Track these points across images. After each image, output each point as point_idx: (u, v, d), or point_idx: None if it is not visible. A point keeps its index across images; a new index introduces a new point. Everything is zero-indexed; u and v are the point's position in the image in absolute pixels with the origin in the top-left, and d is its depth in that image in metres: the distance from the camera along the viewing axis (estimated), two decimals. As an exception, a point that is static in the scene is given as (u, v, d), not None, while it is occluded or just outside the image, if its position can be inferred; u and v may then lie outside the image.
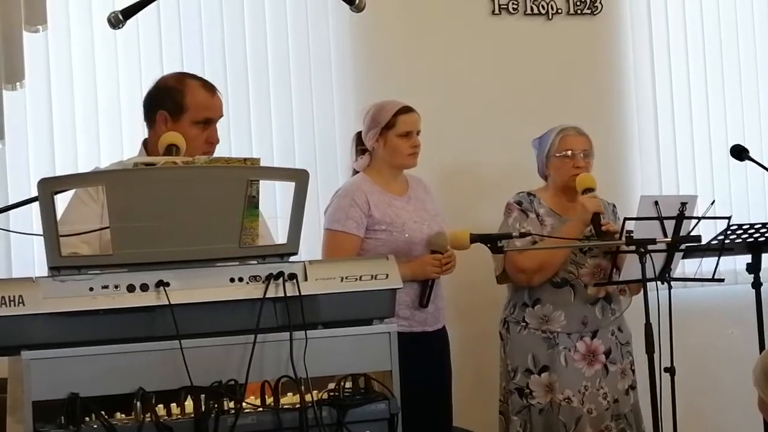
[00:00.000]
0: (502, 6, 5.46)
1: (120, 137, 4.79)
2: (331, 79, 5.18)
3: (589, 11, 5.60)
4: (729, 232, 4.80)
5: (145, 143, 3.69)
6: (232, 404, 2.71)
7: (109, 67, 4.84)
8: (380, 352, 2.89)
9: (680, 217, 4.44)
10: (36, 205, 2.75)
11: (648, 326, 4.21)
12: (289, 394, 2.81)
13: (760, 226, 4.96)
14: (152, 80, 3.76)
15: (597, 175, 4.69)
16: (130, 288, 2.73)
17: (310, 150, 5.12)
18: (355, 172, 4.58)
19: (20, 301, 2.63)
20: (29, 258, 4.61)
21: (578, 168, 4.62)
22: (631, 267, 4.40)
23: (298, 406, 2.76)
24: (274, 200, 4.52)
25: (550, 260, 4.58)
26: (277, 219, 3.72)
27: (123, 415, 2.69)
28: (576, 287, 4.63)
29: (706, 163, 5.81)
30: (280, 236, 3.27)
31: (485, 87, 5.40)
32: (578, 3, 5.58)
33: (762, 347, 4.96)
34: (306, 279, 2.85)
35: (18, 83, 4.52)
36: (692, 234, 4.47)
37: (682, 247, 4.48)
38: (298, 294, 2.81)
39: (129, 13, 3.30)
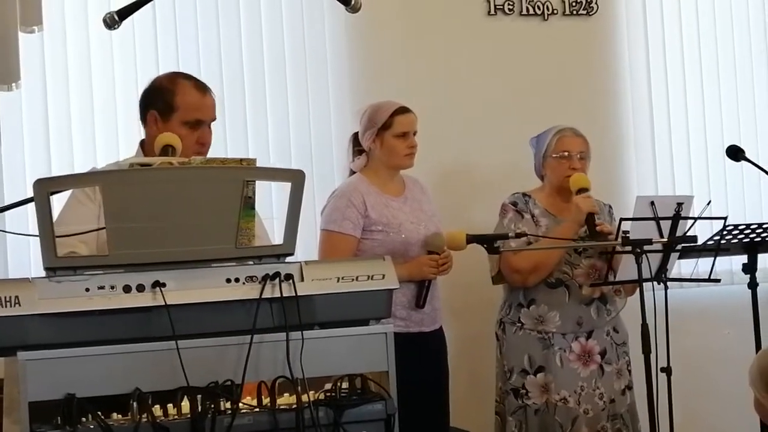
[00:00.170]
0: (498, 7, 5.46)
1: (116, 138, 4.79)
2: (327, 79, 5.17)
3: (584, 12, 5.60)
4: (725, 233, 4.80)
5: (142, 144, 3.68)
6: (228, 405, 2.71)
7: (105, 67, 4.83)
8: (377, 352, 2.89)
9: (676, 218, 4.44)
10: (32, 205, 2.74)
11: (644, 326, 4.20)
12: (285, 394, 2.82)
13: (756, 226, 4.96)
14: (148, 80, 3.76)
15: (593, 175, 4.70)
16: (127, 289, 2.73)
17: (306, 150, 5.12)
18: (352, 172, 4.58)
19: (16, 301, 2.63)
20: (25, 259, 4.60)
21: (574, 169, 4.62)
22: (627, 267, 4.40)
23: (294, 406, 2.76)
24: (270, 201, 4.52)
25: (544, 261, 4.59)
26: (273, 219, 3.72)
27: (119, 416, 2.68)
28: (570, 288, 4.64)
29: (702, 164, 5.82)
30: (277, 237, 3.27)
31: (481, 87, 5.40)
32: (574, 3, 5.58)
33: (758, 348, 4.96)
34: (302, 279, 2.85)
35: (14, 84, 4.51)
36: (688, 234, 4.47)
37: (678, 247, 4.49)
38: (294, 294, 2.81)
39: (125, 13, 3.29)
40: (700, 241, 4.60)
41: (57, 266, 2.71)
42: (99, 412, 2.63)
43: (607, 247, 4.50)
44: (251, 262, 2.88)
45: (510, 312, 4.68)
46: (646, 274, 4.26)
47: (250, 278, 2.82)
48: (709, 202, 4.60)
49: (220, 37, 5.01)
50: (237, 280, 2.82)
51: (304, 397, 2.76)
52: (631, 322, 4.63)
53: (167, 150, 3.24)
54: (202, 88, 3.66)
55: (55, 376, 2.63)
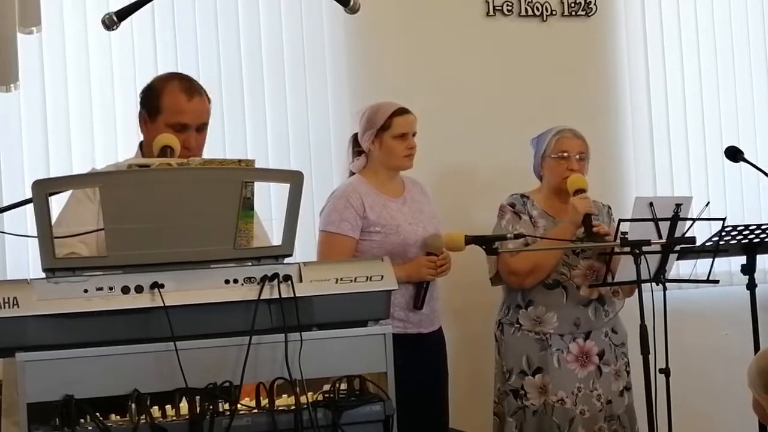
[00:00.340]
0: (496, 7, 5.46)
1: (114, 139, 4.78)
2: (326, 80, 5.17)
3: (583, 13, 5.60)
4: (724, 234, 4.81)
5: (142, 145, 3.67)
6: (227, 406, 2.71)
7: (104, 68, 4.83)
8: (375, 353, 2.89)
9: (675, 219, 4.44)
10: (30, 206, 2.74)
11: (643, 327, 4.21)
12: (284, 395, 2.82)
13: (754, 227, 4.97)
14: (148, 80, 3.76)
15: (592, 176, 4.70)
16: (125, 290, 2.73)
17: (305, 151, 5.11)
18: (352, 173, 4.57)
19: (15, 303, 2.63)
20: (24, 260, 4.60)
21: (572, 170, 4.62)
22: (625, 268, 4.40)
23: (293, 407, 2.76)
24: (269, 202, 4.52)
25: (542, 262, 4.59)
26: (272, 221, 3.72)
27: (118, 417, 2.68)
28: (568, 289, 4.64)
29: (700, 165, 5.82)
30: (275, 238, 3.27)
31: (480, 88, 5.39)
32: (573, 4, 5.58)
33: (757, 348, 4.96)
34: (301, 280, 2.85)
35: (12, 85, 4.51)
36: (687, 235, 4.47)
37: (677, 248, 4.49)
38: (293, 295, 2.81)
39: (123, 14, 3.29)
40: (698, 242, 4.60)
41: (55, 267, 2.71)
42: (97, 414, 2.63)
43: (605, 248, 4.50)
44: (250, 263, 2.88)
45: (508, 313, 4.68)
46: (644, 275, 4.26)
47: (249, 279, 2.82)
48: (708, 203, 4.60)
49: (219, 37, 5.01)
50: (235, 281, 2.82)
51: (303, 399, 2.76)
52: (629, 323, 4.63)
53: (166, 151, 3.24)
54: (189, 91, 3.59)
55: (54, 377, 2.63)
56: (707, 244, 4.79)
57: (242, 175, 2.84)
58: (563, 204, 4.63)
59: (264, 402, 2.77)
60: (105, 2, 4.66)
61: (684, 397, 4.88)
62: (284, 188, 2.90)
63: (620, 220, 4.41)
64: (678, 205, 4.46)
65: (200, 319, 2.77)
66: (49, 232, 2.70)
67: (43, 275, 2.73)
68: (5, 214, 4.09)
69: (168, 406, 2.71)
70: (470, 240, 4.29)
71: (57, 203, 3.29)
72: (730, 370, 4.98)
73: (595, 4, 5.61)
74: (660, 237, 4.41)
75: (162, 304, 2.71)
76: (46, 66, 4.75)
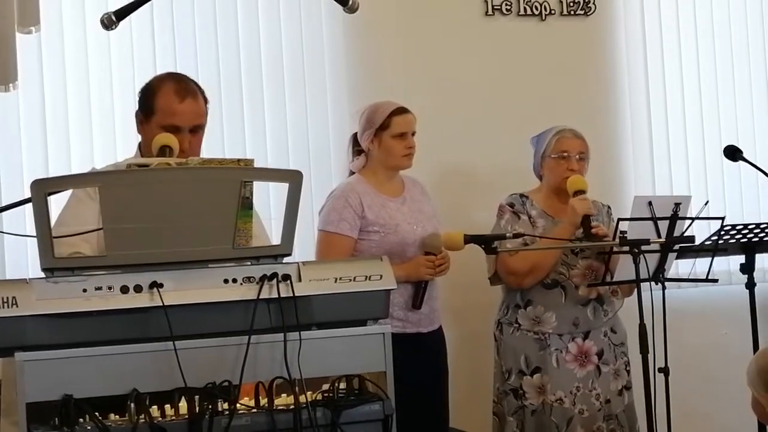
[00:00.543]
0: (495, 7, 5.46)
1: (113, 138, 4.79)
2: (324, 79, 5.17)
3: (582, 12, 5.60)
4: (722, 233, 4.81)
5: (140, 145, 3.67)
6: (226, 405, 2.71)
7: (103, 68, 4.83)
8: (374, 353, 2.89)
9: (674, 218, 4.44)
10: (29, 206, 2.74)
11: (642, 327, 4.21)
12: (283, 395, 2.82)
13: (753, 226, 4.97)
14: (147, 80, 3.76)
15: (590, 175, 4.70)
16: (124, 289, 2.73)
17: (303, 151, 5.11)
18: (352, 173, 4.58)
19: (14, 302, 2.63)
20: (23, 259, 4.60)
21: (572, 170, 4.62)
22: (624, 268, 4.40)
23: (292, 407, 2.76)
24: (268, 201, 4.51)
25: (541, 262, 4.59)
26: (271, 220, 3.71)
27: (117, 417, 2.68)
28: (567, 288, 4.64)
29: (699, 164, 5.82)
30: (274, 237, 3.27)
31: (479, 88, 5.40)
32: (572, 4, 5.58)
33: (756, 348, 4.96)
34: (300, 280, 2.85)
35: (11, 84, 4.51)
36: (686, 234, 4.47)
37: (676, 247, 4.49)
38: (292, 295, 2.80)
39: (122, 14, 3.29)
40: (697, 241, 4.61)
41: (54, 267, 2.71)
42: (96, 413, 2.63)
43: (604, 247, 4.50)
44: (249, 263, 2.88)
45: (507, 313, 4.68)
46: (643, 275, 4.26)
47: (248, 279, 2.82)
48: (707, 202, 4.60)
49: (218, 37, 5.01)
50: (234, 280, 2.82)
51: (302, 398, 2.76)
52: (629, 323, 4.63)
53: (165, 151, 3.23)
54: (181, 92, 3.57)
55: (53, 376, 2.63)
56: (706, 243, 4.80)
57: (241, 175, 2.84)
58: (563, 204, 4.63)
59: (263, 401, 2.77)
60: (104, 2, 4.66)
61: (683, 397, 4.89)
62: (283, 188, 2.89)
63: (619, 219, 4.41)
64: (677, 204, 4.46)
65: (199, 318, 2.77)
66: (48, 232, 2.70)
67: (42, 275, 2.73)
68: (4, 213, 4.09)
69: (167, 406, 2.71)
70: (469, 239, 4.29)
71: (56, 203, 3.29)
72: (729, 369, 4.99)
73: (594, 4, 5.61)
74: (659, 236, 4.41)
75: (161, 304, 2.71)
76: (45, 66, 4.75)
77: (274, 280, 2.80)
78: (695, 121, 5.82)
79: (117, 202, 2.74)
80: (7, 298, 2.63)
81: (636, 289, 4.29)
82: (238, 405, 2.73)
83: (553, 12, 5.55)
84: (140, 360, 2.70)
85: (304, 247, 4.66)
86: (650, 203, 4.44)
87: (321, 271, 2.90)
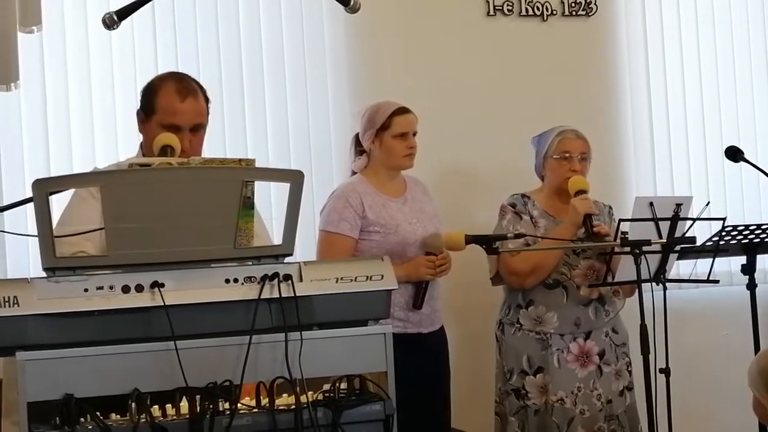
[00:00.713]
0: (497, 7, 5.46)
1: (115, 138, 4.79)
2: (326, 79, 5.17)
3: (583, 12, 5.60)
4: (724, 234, 4.81)
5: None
6: (227, 405, 2.71)
7: (104, 68, 4.83)
8: (375, 353, 2.89)
9: (675, 219, 4.44)
10: (31, 206, 2.74)
11: (643, 327, 4.21)
12: (284, 395, 2.82)
13: (754, 227, 4.96)
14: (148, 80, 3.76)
15: (592, 176, 4.70)
16: (125, 289, 2.73)
17: (305, 151, 5.12)
18: (354, 173, 4.57)
19: (15, 302, 2.63)
20: (24, 259, 4.61)
21: (574, 171, 4.62)
22: (625, 268, 4.40)
23: (293, 407, 2.76)
24: (269, 201, 4.52)
25: (543, 262, 4.59)
26: (272, 220, 3.71)
27: (118, 416, 2.68)
28: (568, 288, 4.64)
29: (701, 165, 5.82)
30: (276, 237, 3.27)
31: (480, 88, 5.40)
32: (573, 4, 5.58)
33: (757, 348, 4.96)
34: (301, 280, 2.85)
35: (12, 84, 4.51)
36: (687, 235, 4.47)
37: (677, 248, 4.49)
38: (293, 295, 2.80)
39: (124, 14, 3.29)
40: (699, 242, 4.60)
41: (56, 266, 2.71)
42: (97, 413, 2.63)
43: (605, 247, 4.50)
44: (250, 263, 2.88)
45: (509, 313, 4.68)
46: (645, 275, 4.26)
47: (249, 279, 2.82)
48: (708, 203, 4.60)
49: (219, 37, 5.01)
50: (236, 280, 2.82)
51: (303, 398, 2.76)
52: (630, 323, 4.63)
53: (166, 150, 3.23)
54: (182, 92, 3.56)
55: (54, 376, 2.63)
56: (707, 244, 4.79)
57: (243, 175, 2.84)
58: (564, 204, 4.63)
59: (264, 401, 2.77)
60: (105, 1, 4.66)
61: (684, 397, 4.89)
62: (284, 187, 2.89)
63: (620, 220, 4.41)
64: (678, 205, 4.46)
65: (200, 318, 2.77)
66: (49, 232, 2.70)
67: (44, 274, 2.73)
68: (6, 213, 4.09)
69: (168, 406, 2.71)
70: (470, 239, 4.29)
71: (57, 203, 3.29)
72: (730, 370, 4.98)
73: (595, 4, 5.62)
74: (660, 237, 4.40)
75: (162, 304, 2.71)
76: (46, 65, 4.75)
77: (276, 280, 2.80)
78: (696, 122, 5.82)
79: (118, 202, 2.74)
80: (9, 297, 2.63)
81: (637, 290, 4.28)
82: (239, 405, 2.73)
83: (554, 12, 5.56)
84: (141, 360, 2.71)
85: (306, 247, 4.66)
86: (651, 204, 4.44)
87: (322, 271, 2.90)
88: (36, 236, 2.71)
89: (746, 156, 5.17)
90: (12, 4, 4.48)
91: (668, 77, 5.78)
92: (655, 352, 4.22)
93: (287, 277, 2.81)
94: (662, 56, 5.78)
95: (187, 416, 2.68)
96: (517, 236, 4.49)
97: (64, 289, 2.69)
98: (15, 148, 4.71)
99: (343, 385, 2.85)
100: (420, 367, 4.35)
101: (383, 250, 4.26)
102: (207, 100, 3.66)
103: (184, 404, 2.70)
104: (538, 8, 5.53)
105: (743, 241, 4.97)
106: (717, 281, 4.63)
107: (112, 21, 3.28)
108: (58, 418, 2.61)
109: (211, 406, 2.69)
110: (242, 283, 2.82)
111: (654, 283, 4.40)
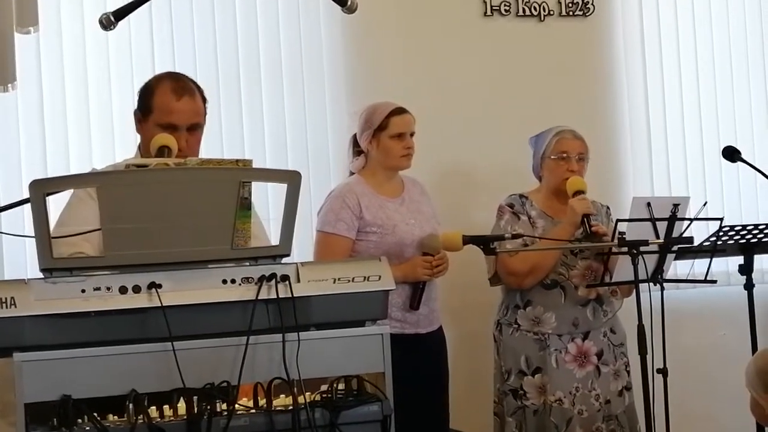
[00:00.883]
0: (494, 7, 5.46)
1: (112, 139, 4.79)
2: (323, 80, 5.18)
3: (581, 13, 5.60)
4: (721, 234, 4.81)
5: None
6: (224, 406, 2.71)
7: (101, 68, 4.83)
8: (373, 353, 2.89)
9: (672, 219, 4.44)
10: (28, 207, 2.74)
11: (640, 327, 4.21)
12: (281, 395, 2.81)
13: (752, 227, 4.97)
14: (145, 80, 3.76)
15: (589, 176, 4.70)
16: (122, 290, 2.72)
17: (302, 151, 5.12)
18: (352, 173, 4.57)
19: (12, 303, 2.63)
20: (21, 260, 4.60)
21: (572, 171, 4.62)
22: (623, 268, 4.40)
23: (290, 407, 2.75)
24: (266, 202, 4.51)
25: (541, 263, 4.59)
26: (269, 221, 3.71)
27: (115, 417, 2.68)
28: (566, 289, 4.64)
29: (698, 165, 5.82)
30: (273, 238, 3.27)
31: (478, 88, 5.40)
32: (570, 4, 5.59)
33: (754, 349, 4.96)
34: (298, 280, 2.84)
35: (9, 85, 4.51)
36: (684, 235, 4.47)
37: (675, 248, 4.49)
38: (290, 295, 2.80)
39: (121, 14, 3.29)
40: (696, 242, 4.61)
41: (53, 267, 2.71)
42: (95, 414, 2.63)
43: (603, 248, 4.50)
44: (247, 263, 2.87)
45: (507, 313, 4.68)
46: (642, 275, 4.26)
47: (246, 279, 2.82)
48: (706, 203, 4.61)
49: (216, 38, 5.01)
50: (233, 281, 2.81)
51: (300, 399, 2.76)
52: (627, 324, 4.63)
53: (163, 151, 3.23)
54: (178, 91, 3.56)
55: (51, 377, 2.63)
56: (705, 244, 4.80)
57: (240, 175, 2.83)
58: (562, 204, 4.63)
59: (261, 402, 2.77)
60: (102, 2, 4.67)
61: (682, 397, 4.89)
62: (282, 188, 2.89)
63: (618, 220, 4.41)
64: (675, 205, 4.46)
65: (198, 319, 2.77)
66: (46, 232, 2.69)
67: (41, 275, 2.73)
68: (3, 214, 4.08)
69: (165, 407, 2.71)
70: (468, 240, 4.29)
71: (55, 203, 3.29)
72: (727, 370, 4.99)
73: (592, 4, 5.62)
74: (657, 237, 4.41)
75: (159, 304, 2.71)
76: (43, 66, 4.75)
77: (273, 281, 2.80)
78: (694, 122, 5.83)
79: (115, 203, 2.74)
80: (6, 298, 2.63)
81: (635, 290, 4.28)
82: (236, 406, 2.73)
83: (551, 12, 5.56)
84: (139, 360, 2.70)
85: (303, 248, 4.66)
86: (649, 204, 4.44)
87: (319, 271, 2.90)
88: (33, 237, 2.70)
89: (743, 156, 5.17)
90: (9, 5, 4.47)
91: (665, 77, 5.79)
92: (652, 352, 4.22)
93: (284, 278, 2.81)
94: (659, 56, 5.78)
95: (185, 417, 2.68)
96: (515, 236, 4.49)
97: (61, 290, 2.68)
98: (12, 148, 4.71)
99: (341, 386, 2.85)
100: (418, 367, 4.35)
101: (380, 251, 4.26)
102: (204, 99, 3.65)
103: (181, 405, 2.70)
104: (535, 8, 5.53)
105: (740, 242, 4.97)
106: (714, 281, 4.64)
107: (109, 21, 3.28)
108: (55, 419, 2.61)
109: (208, 407, 2.69)
110: (239, 284, 2.81)
111: (651, 283, 4.40)
